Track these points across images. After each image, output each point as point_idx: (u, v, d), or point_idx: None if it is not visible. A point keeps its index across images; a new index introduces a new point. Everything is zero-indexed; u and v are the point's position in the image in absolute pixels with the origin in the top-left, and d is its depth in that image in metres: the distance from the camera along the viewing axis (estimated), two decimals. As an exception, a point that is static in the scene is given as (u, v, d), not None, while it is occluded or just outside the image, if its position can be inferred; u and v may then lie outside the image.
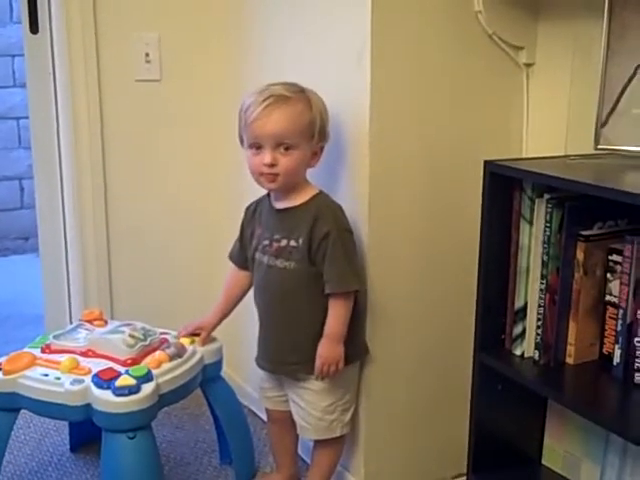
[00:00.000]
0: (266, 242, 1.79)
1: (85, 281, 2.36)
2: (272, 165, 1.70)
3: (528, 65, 1.84)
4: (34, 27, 2.26)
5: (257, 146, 1.72)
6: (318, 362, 1.73)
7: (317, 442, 1.87)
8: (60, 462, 2.10)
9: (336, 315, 1.72)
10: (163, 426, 1.80)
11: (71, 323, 2.33)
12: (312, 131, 1.70)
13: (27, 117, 4.20)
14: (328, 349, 1.73)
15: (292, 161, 1.70)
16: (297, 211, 1.75)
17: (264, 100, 1.70)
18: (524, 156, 1.85)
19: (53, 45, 2.26)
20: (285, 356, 1.81)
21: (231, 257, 1.92)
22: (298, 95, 1.71)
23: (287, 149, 1.69)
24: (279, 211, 1.79)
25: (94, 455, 2.05)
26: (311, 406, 1.80)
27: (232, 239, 1.93)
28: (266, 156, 1.70)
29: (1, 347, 1.99)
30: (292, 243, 1.74)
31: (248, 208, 1.89)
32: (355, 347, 1.79)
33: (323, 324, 1.73)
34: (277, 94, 1.70)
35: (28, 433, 2.14)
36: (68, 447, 2.15)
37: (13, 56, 4.33)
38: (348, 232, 1.74)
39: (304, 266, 1.73)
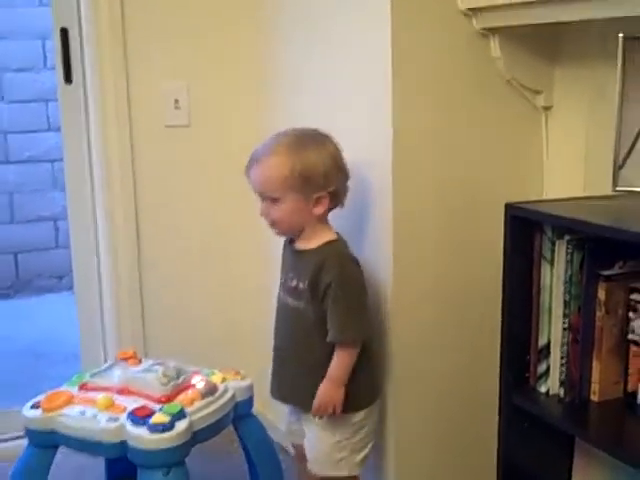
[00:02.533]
0: (283, 279, 1.87)
1: (119, 320, 2.44)
2: (265, 215, 1.80)
3: (546, 108, 1.89)
4: (68, 77, 2.36)
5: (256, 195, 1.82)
6: (315, 401, 1.79)
7: None
8: (97, 499, 2.15)
9: (338, 361, 1.78)
10: (196, 462, 1.82)
11: (106, 361, 2.41)
12: (291, 184, 1.73)
13: (61, 160, 4.39)
14: (326, 391, 1.78)
15: (280, 212, 1.77)
16: (307, 255, 1.81)
17: (256, 151, 1.80)
18: (544, 197, 1.89)
19: (86, 94, 2.35)
20: (293, 387, 1.87)
21: None
22: (285, 147, 1.75)
23: (273, 201, 1.77)
24: (295, 251, 1.85)
25: (129, 491, 2.10)
26: (319, 441, 1.84)
27: (260, 282, 1.98)
28: (261, 206, 1.80)
29: (37, 384, 2.05)
30: (300, 285, 1.80)
31: (284, 242, 1.95)
32: (365, 393, 1.84)
33: (328, 364, 1.78)
34: (266, 147, 1.78)
35: (66, 470, 2.18)
36: (105, 483, 2.19)
37: (47, 101, 4.47)
38: (353, 282, 1.77)
39: (311, 308, 1.78)
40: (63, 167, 4.33)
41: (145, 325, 2.44)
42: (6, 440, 2.42)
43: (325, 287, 1.75)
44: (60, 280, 4.63)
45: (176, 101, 2.37)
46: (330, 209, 1.81)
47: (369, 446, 1.87)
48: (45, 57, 4.44)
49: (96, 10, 2.25)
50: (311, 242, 1.81)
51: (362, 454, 1.86)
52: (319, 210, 1.78)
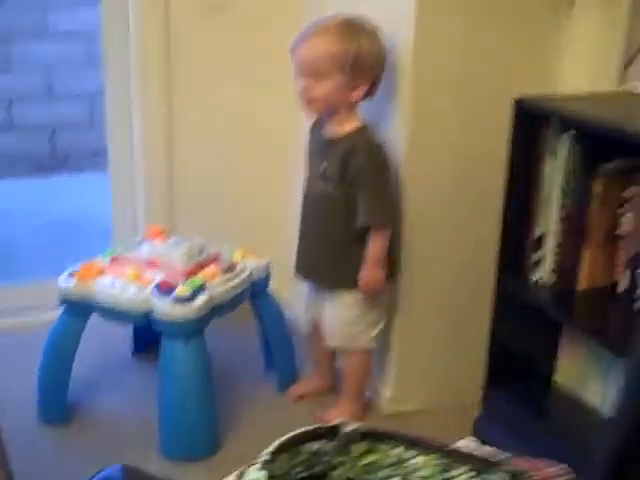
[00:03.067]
0: (312, 161, 1.96)
1: (149, 197, 2.54)
2: (306, 90, 1.85)
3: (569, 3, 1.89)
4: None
5: (298, 72, 1.87)
6: (362, 283, 1.90)
7: (345, 354, 2.04)
8: (123, 364, 2.33)
9: (376, 243, 1.88)
10: (214, 336, 1.97)
11: (137, 236, 2.55)
12: (343, 64, 1.80)
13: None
14: (370, 272, 1.89)
15: (322, 89, 1.83)
16: (337, 140, 1.89)
17: (307, 29, 1.85)
18: (561, 90, 1.92)
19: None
20: (318, 267, 1.99)
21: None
22: (338, 28, 1.82)
23: (319, 77, 1.83)
24: (325, 138, 1.93)
25: (153, 358, 2.26)
26: (339, 315, 1.97)
27: (289, 165, 2.05)
28: (301, 82, 1.86)
29: (71, 257, 2.18)
30: (329, 170, 1.89)
31: (310, 128, 2.03)
32: (391, 265, 1.94)
33: (355, 246, 1.88)
34: (319, 25, 1.84)
35: (94, 337, 2.35)
36: (130, 351, 2.37)
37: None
38: (381, 169, 1.86)
39: (339, 192, 1.88)
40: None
41: (173, 203, 2.54)
42: (43, 309, 2.57)
43: (355, 172, 1.84)
44: (96, 158, 4.75)
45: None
46: (364, 97, 1.88)
47: (382, 322, 2.00)
48: None
49: None
50: (341, 128, 1.89)
51: (377, 329, 1.99)
52: (357, 95, 1.86)
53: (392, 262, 1.97)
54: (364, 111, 1.92)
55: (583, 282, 1.64)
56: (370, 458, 0.77)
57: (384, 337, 2.05)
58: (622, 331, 1.56)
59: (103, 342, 2.37)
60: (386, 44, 1.86)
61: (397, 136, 1.92)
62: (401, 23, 1.85)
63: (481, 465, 0.77)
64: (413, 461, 0.77)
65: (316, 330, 2.10)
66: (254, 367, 2.30)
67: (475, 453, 0.77)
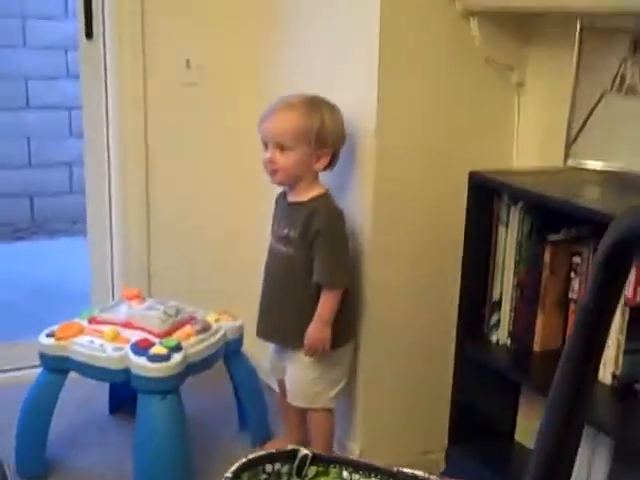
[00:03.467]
0: (275, 228, 2.08)
1: (127, 263, 2.65)
2: (271, 162, 1.99)
3: (519, 85, 2.06)
4: (89, 33, 2.54)
5: (264, 144, 2.01)
6: (307, 342, 2.00)
7: (308, 412, 2.12)
8: (100, 422, 2.39)
9: (326, 302, 1.99)
10: (189, 395, 2.05)
11: (113, 299, 2.64)
12: (309, 137, 1.95)
13: (78, 108, 4.58)
14: (316, 331, 1.99)
15: (287, 160, 1.97)
16: (300, 206, 2.02)
17: (273, 106, 2.00)
18: (514, 166, 2.08)
19: (105, 49, 2.54)
20: (279, 328, 2.08)
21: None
22: (302, 104, 1.97)
23: (284, 149, 1.96)
24: (289, 204, 2.06)
25: (130, 417, 2.32)
26: (299, 376, 2.06)
27: (260, 230, 2.18)
28: (267, 153, 2.00)
29: (53, 318, 2.27)
30: (292, 233, 2.01)
31: (276, 197, 2.16)
32: (342, 333, 2.04)
33: (314, 306, 1.99)
34: (284, 102, 1.99)
35: (72, 395, 2.42)
36: (107, 410, 2.44)
37: (67, 49, 4.63)
38: (339, 233, 1.99)
39: (300, 254, 1.99)
40: (79, 115, 4.61)
41: (150, 268, 2.65)
42: (21, 369, 2.62)
43: (314, 234, 1.96)
44: (73, 224, 4.85)
45: (187, 60, 2.55)
46: (325, 168, 2.02)
47: (342, 383, 2.09)
48: (67, 6, 4.59)
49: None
50: (304, 195, 2.02)
51: (336, 389, 2.08)
52: (319, 166, 2.00)
53: (348, 327, 2.07)
54: (327, 180, 2.06)
55: (538, 344, 1.75)
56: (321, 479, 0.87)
57: (350, 396, 2.14)
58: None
59: (81, 400, 2.44)
60: (348, 121, 2.01)
61: (359, 205, 2.05)
62: (364, 102, 2.00)
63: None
64: (359, 483, 0.86)
65: (282, 389, 2.19)
66: (228, 425, 2.37)
67: (412, 475, 0.87)
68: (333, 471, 0.87)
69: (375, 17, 1.92)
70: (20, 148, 4.65)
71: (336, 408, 2.12)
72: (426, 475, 0.86)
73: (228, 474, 0.80)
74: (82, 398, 2.46)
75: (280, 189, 2.13)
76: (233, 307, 2.32)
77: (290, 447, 0.87)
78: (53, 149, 4.73)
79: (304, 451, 0.87)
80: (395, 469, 0.87)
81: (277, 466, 0.86)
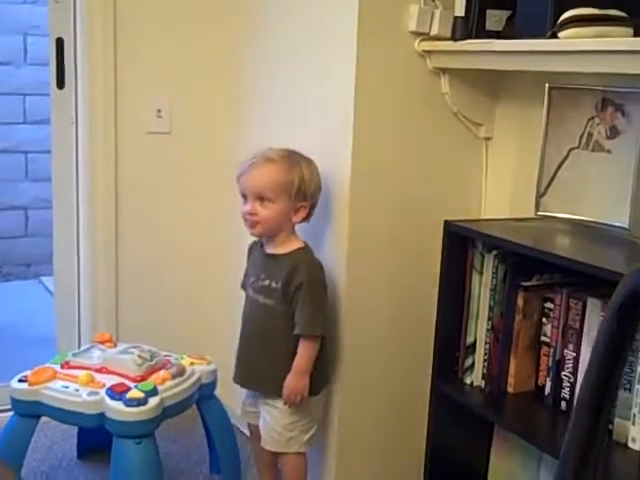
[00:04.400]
0: (253, 279, 2.11)
1: (95, 306, 2.65)
2: (251, 214, 2.03)
3: (487, 139, 2.17)
4: (60, 83, 2.57)
5: (244, 196, 2.06)
6: (285, 392, 2.03)
7: (280, 456, 2.14)
8: (69, 467, 2.37)
9: (304, 354, 2.03)
10: (161, 439, 2.06)
11: (79, 345, 2.63)
12: (289, 190, 2.01)
13: (35, 152, 4.58)
14: (294, 381, 2.03)
15: (269, 213, 2.02)
16: (280, 259, 2.06)
17: (252, 159, 2.05)
18: (482, 216, 2.17)
19: (77, 98, 2.57)
20: (257, 376, 2.11)
21: (242, 286, 2.21)
22: (282, 159, 2.03)
23: (265, 202, 2.01)
24: (267, 255, 2.10)
25: (98, 462, 2.33)
26: (274, 421, 2.09)
27: (226, 275, 2.22)
28: (247, 206, 2.04)
29: (12, 365, 2.26)
30: (273, 284, 2.05)
31: (249, 246, 2.21)
32: (318, 381, 2.08)
33: (291, 356, 2.03)
34: (263, 155, 2.04)
35: (39, 440, 2.40)
36: (75, 454, 2.42)
37: (24, 95, 4.65)
38: (320, 285, 2.04)
39: (281, 305, 2.03)
40: (35, 158, 4.60)
41: (119, 312, 2.66)
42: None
43: (296, 287, 2.00)
44: (28, 267, 4.80)
45: (159, 110, 2.60)
46: (302, 220, 2.07)
47: (314, 427, 2.13)
48: (25, 52, 4.61)
49: (90, 24, 2.47)
50: (283, 247, 2.07)
51: (309, 434, 2.11)
52: (297, 218, 2.05)
53: (323, 374, 2.11)
54: (303, 232, 2.11)
55: (512, 385, 1.82)
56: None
57: (324, 440, 2.18)
58: (549, 429, 1.74)
59: (48, 445, 2.42)
60: (323, 174, 2.07)
61: (335, 255, 2.11)
62: (338, 156, 2.07)
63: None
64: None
65: (255, 434, 2.21)
66: (199, 468, 2.38)
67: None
68: None
69: (350, 72, 2.00)
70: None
71: (308, 452, 2.14)
72: None
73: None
74: (49, 443, 2.44)
75: (252, 238, 2.17)
76: (201, 349, 2.35)
77: None
78: (9, 193, 4.70)
79: None
80: None
81: None
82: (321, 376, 2.10)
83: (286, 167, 2.02)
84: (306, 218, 2.08)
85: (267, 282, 2.06)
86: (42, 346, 3.02)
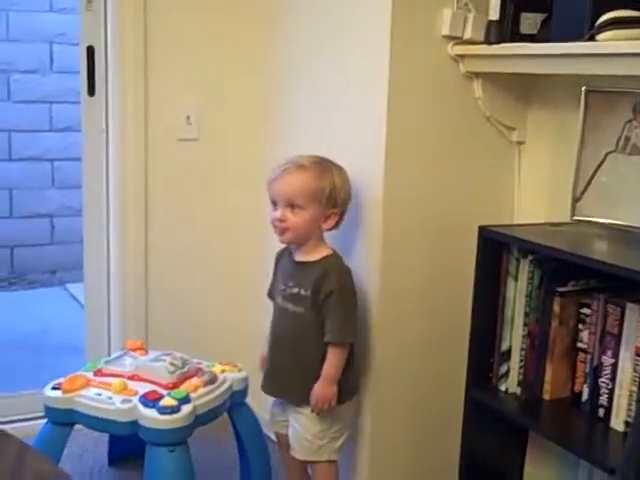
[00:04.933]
0: (282, 287, 2.10)
1: (125, 315, 2.65)
2: (281, 220, 2.02)
3: (519, 143, 2.15)
4: (91, 90, 2.58)
5: (274, 203, 2.05)
6: (313, 400, 2.01)
7: (311, 465, 2.13)
8: (100, 474, 2.38)
9: (332, 361, 2.01)
10: (193, 446, 2.05)
11: (109, 353, 2.64)
12: (320, 197, 2.00)
13: (61, 159, 4.62)
14: (323, 389, 2.01)
15: (299, 220, 2.01)
16: (309, 266, 2.05)
17: (283, 165, 2.04)
18: (515, 221, 2.15)
19: (107, 106, 2.59)
20: (286, 384, 2.09)
21: (268, 294, 2.21)
22: (314, 165, 2.02)
23: (295, 209, 2.00)
24: (296, 263, 2.09)
25: (130, 469, 2.33)
26: (304, 430, 2.07)
27: (256, 284, 2.21)
28: (278, 212, 2.03)
29: (39, 373, 2.26)
30: (302, 292, 2.04)
31: (277, 253, 2.20)
32: (347, 389, 2.07)
33: (321, 364, 2.01)
34: (295, 162, 2.03)
35: (71, 448, 2.40)
36: (106, 461, 2.42)
37: (51, 103, 4.69)
38: (350, 292, 2.03)
39: (310, 313, 2.02)
40: (61, 166, 4.64)
41: (148, 320, 2.66)
42: (13, 422, 2.59)
43: (326, 295, 1.99)
44: (53, 274, 4.83)
45: (188, 117, 2.60)
46: (332, 227, 2.06)
47: (345, 435, 2.11)
48: (51, 60, 4.65)
49: (121, 32, 2.48)
50: (312, 255, 2.05)
51: (340, 442, 2.10)
52: (328, 225, 2.04)
53: (353, 382, 2.10)
54: (334, 240, 2.10)
55: (548, 392, 1.80)
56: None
57: (356, 448, 2.16)
58: (587, 436, 1.72)
59: (79, 452, 2.42)
60: (355, 180, 2.06)
61: (368, 261, 2.10)
62: (371, 162, 2.06)
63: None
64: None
65: (283, 443, 2.19)
66: (231, 476, 2.37)
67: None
68: None
69: (384, 76, 1.99)
70: (2, 199, 4.65)
71: (339, 460, 2.13)
72: None
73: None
74: (81, 451, 2.44)
75: (281, 246, 2.16)
76: (230, 357, 2.33)
77: None
78: (35, 200, 4.73)
79: None
80: None
81: None
82: (350, 384, 2.09)
83: (317, 174, 2.01)
84: (336, 225, 2.07)
85: (296, 290, 2.05)
86: (68, 354, 3.04)
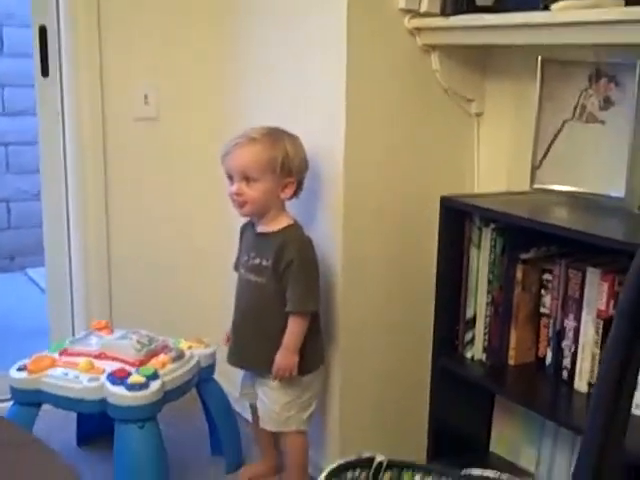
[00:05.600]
0: (245, 258, 2.12)
1: (88, 296, 2.63)
2: (238, 194, 2.03)
3: (478, 115, 2.18)
4: (45, 71, 2.54)
5: (229, 177, 2.06)
6: (274, 368, 2.05)
7: (280, 435, 2.17)
8: (69, 454, 2.35)
9: (293, 330, 2.04)
10: (161, 423, 2.06)
11: (73, 334, 2.62)
12: (274, 167, 2.01)
13: (15, 143, 4.53)
14: (283, 358, 2.04)
15: (255, 192, 2.02)
16: (270, 236, 2.06)
17: (235, 139, 2.05)
18: (475, 191, 2.18)
19: (62, 87, 2.54)
20: (250, 355, 2.12)
21: (234, 267, 2.22)
22: (265, 137, 2.02)
23: (251, 181, 2.01)
24: (257, 234, 2.11)
25: (98, 448, 2.33)
26: (271, 402, 2.10)
27: (220, 260, 2.22)
28: (234, 187, 2.04)
29: (4, 356, 2.24)
30: (263, 262, 2.05)
31: (241, 227, 2.21)
32: (312, 359, 2.10)
33: (282, 333, 2.04)
34: (246, 135, 2.04)
35: (37, 428, 2.38)
36: (75, 442, 2.41)
37: (2, 86, 4.59)
38: (311, 262, 2.05)
39: (272, 283, 2.04)
40: (16, 151, 4.55)
41: (112, 300, 2.65)
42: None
43: (286, 265, 2.01)
44: (12, 260, 4.76)
45: (145, 96, 2.58)
46: (291, 197, 2.07)
47: (313, 405, 2.14)
48: (2, 42, 4.55)
49: (74, 10, 2.43)
50: (273, 225, 2.07)
51: (308, 412, 2.13)
52: (286, 194, 2.05)
53: (318, 352, 2.13)
54: (296, 211, 2.12)
55: (513, 358, 1.84)
56: (395, 484, 0.92)
57: (325, 417, 2.19)
58: (551, 397, 1.77)
59: (47, 433, 2.39)
60: (313, 151, 2.08)
61: (330, 229, 2.12)
62: (331, 133, 2.08)
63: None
64: (430, 485, 0.92)
65: (255, 413, 2.21)
66: (201, 451, 2.38)
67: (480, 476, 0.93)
68: (406, 475, 0.93)
69: (341, 50, 2.00)
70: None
71: (308, 430, 2.16)
72: (497, 475, 0.92)
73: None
74: (48, 431, 2.42)
75: (243, 220, 2.17)
76: (196, 333, 2.35)
77: (367, 455, 0.93)
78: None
79: (379, 458, 0.93)
80: (464, 472, 0.93)
81: (356, 473, 0.91)
82: (316, 354, 2.12)
83: (269, 144, 2.02)
84: (295, 194, 2.08)
85: (258, 260, 2.07)
86: (32, 337, 2.99)
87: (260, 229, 2.10)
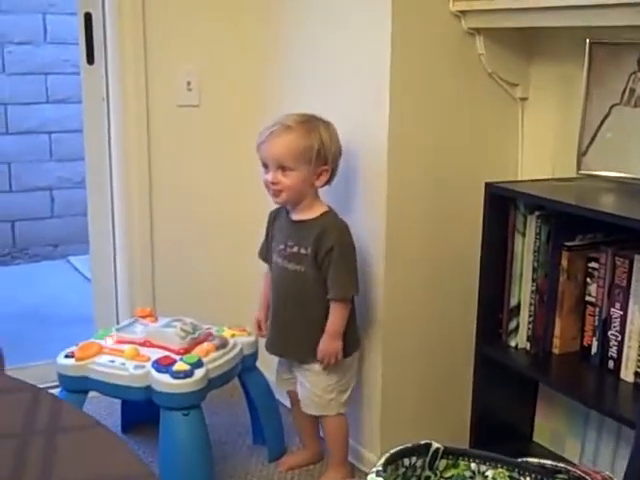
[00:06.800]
0: (281, 247, 2.11)
1: (132, 283, 2.66)
2: (274, 183, 2.03)
3: (522, 99, 2.14)
4: (90, 58, 2.56)
5: (265, 165, 2.06)
6: (320, 355, 2.05)
7: (321, 419, 2.18)
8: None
9: (337, 316, 2.04)
10: (205, 412, 2.08)
11: (117, 321, 2.65)
12: (309, 156, 2.00)
13: (58, 131, 4.59)
14: (329, 344, 2.05)
15: (291, 181, 2.01)
16: (307, 224, 2.06)
17: (270, 128, 2.04)
18: (519, 178, 2.15)
19: (107, 74, 2.57)
20: (293, 343, 2.12)
21: (260, 255, 2.23)
22: (300, 125, 2.01)
23: (287, 170, 2.01)
24: (293, 222, 2.10)
25: (143, 435, 2.35)
26: (313, 385, 2.11)
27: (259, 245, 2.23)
28: (269, 175, 2.03)
29: (48, 344, 2.26)
30: (302, 250, 2.05)
31: (270, 213, 2.21)
32: (352, 341, 2.11)
33: (325, 319, 2.04)
34: (281, 123, 2.03)
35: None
36: (120, 429, 2.44)
37: (46, 74, 4.65)
38: (350, 247, 2.04)
39: (312, 270, 2.04)
40: (59, 139, 4.61)
41: (155, 287, 2.67)
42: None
43: (326, 252, 2.01)
44: (55, 248, 4.83)
45: (188, 83, 2.59)
46: (325, 183, 2.06)
47: (351, 387, 2.15)
48: (45, 31, 4.60)
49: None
50: (308, 213, 2.07)
51: (347, 394, 2.14)
52: (320, 182, 2.05)
53: (356, 335, 2.13)
54: (334, 198, 2.12)
55: (557, 347, 1.82)
56: (451, 472, 0.92)
57: (367, 403, 2.20)
58: (596, 387, 1.74)
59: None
60: (359, 140, 2.07)
61: (373, 218, 2.11)
62: (374, 120, 2.06)
63: (544, 473, 0.92)
64: (487, 474, 0.92)
65: (293, 399, 2.23)
66: (243, 440, 2.40)
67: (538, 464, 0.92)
68: (462, 464, 0.93)
69: (386, 35, 1.98)
70: (1, 174, 4.63)
71: (349, 413, 2.16)
72: (554, 463, 0.91)
73: (378, 467, 0.86)
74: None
75: (275, 206, 2.17)
76: (239, 321, 2.36)
77: (424, 442, 0.93)
78: (34, 174, 4.71)
79: (436, 445, 0.93)
80: (520, 460, 0.93)
81: (413, 460, 0.91)
82: (354, 337, 2.12)
83: (304, 133, 2.01)
84: (328, 181, 2.07)
85: (296, 249, 2.06)
86: (76, 325, 3.04)
87: (296, 217, 2.10)
